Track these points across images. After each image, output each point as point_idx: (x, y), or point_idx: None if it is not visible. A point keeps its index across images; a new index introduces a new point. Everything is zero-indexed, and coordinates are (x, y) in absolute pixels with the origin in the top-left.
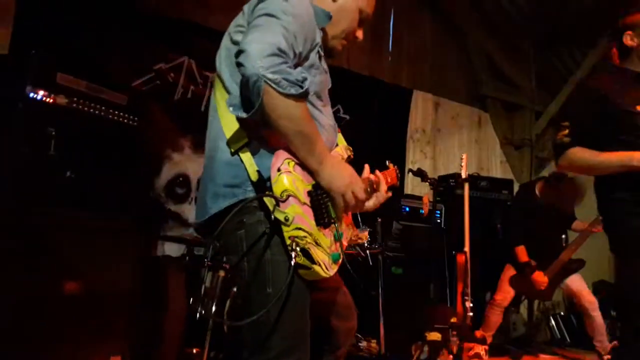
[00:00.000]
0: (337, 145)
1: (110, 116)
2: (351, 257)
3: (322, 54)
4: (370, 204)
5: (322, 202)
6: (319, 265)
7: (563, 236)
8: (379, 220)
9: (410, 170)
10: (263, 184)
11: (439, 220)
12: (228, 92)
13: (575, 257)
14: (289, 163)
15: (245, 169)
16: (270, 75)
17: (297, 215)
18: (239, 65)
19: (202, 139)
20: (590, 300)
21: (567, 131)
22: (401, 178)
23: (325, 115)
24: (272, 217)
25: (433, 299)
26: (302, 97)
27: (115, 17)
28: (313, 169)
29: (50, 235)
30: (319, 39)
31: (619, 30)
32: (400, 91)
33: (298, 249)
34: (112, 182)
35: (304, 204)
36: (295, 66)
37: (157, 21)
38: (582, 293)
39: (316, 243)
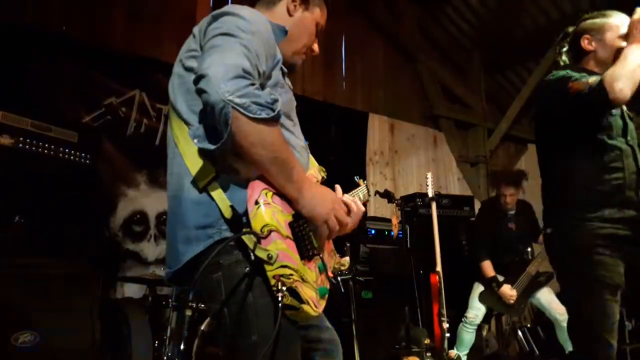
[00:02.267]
0: (309, 167)
1: (60, 155)
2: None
3: (285, 70)
4: (350, 225)
5: (304, 233)
6: (308, 303)
7: (529, 249)
8: (348, 244)
9: (377, 192)
10: (239, 220)
11: (405, 241)
12: (187, 123)
13: (542, 270)
14: (266, 194)
15: (217, 205)
16: (237, 100)
17: (281, 252)
18: (200, 92)
19: (158, 173)
20: (560, 312)
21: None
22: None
23: (296, 136)
24: (252, 256)
25: (408, 321)
26: (275, 120)
27: (62, 51)
28: (292, 198)
29: None
30: (280, 55)
31: (575, 36)
32: (356, 115)
33: (284, 288)
34: (65, 224)
35: (287, 237)
36: (261, 87)
37: (105, 54)
38: (552, 305)
39: (302, 279)
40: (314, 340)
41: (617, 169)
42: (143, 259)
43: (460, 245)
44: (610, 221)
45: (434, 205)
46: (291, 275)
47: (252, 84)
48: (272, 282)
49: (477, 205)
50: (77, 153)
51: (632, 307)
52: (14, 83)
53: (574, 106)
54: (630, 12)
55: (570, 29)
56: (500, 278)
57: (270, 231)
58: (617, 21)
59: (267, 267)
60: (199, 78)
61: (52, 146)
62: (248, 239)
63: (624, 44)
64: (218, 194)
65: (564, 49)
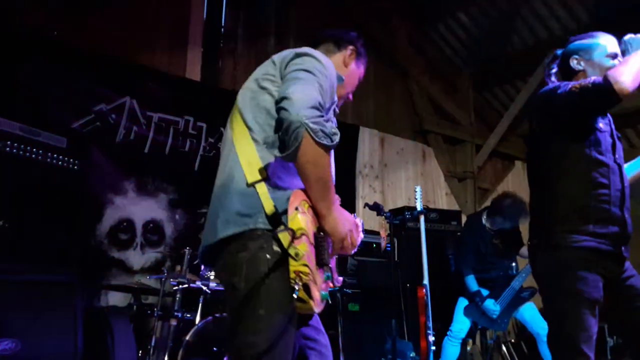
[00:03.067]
0: None
1: (48, 160)
2: None
3: (337, 111)
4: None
5: (322, 244)
6: (314, 301)
7: (513, 264)
8: (335, 256)
9: (366, 204)
10: (277, 218)
11: (392, 254)
12: (249, 129)
13: (526, 285)
14: (304, 204)
15: (261, 201)
16: (312, 125)
17: (306, 253)
18: (281, 109)
19: (147, 181)
20: (542, 327)
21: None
22: (354, 213)
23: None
24: (279, 249)
25: (394, 334)
26: (331, 148)
27: (53, 56)
28: (321, 214)
29: None
30: (336, 98)
31: (564, 57)
32: (347, 128)
33: (301, 283)
34: (51, 230)
35: (311, 243)
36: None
37: (97, 61)
38: (535, 320)
39: (314, 280)
40: (311, 339)
41: (603, 185)
42: (128, 267)
43: (447, 259)
44: (594, 236)
45: (422, 219)
46: (308, 274)
47: (322, 116)
48: (292, 275)
49: (465, 220)
50: (66, 159)
51: (613, 323)
52: (4, 87)
53: (580, 101)
54: (616, 34)
55: (559, 52)
56: (485, 292)
57: (302, 234)
58: (604, 41)
59: (292, 262)
60: (283, 99)
61: (40, 151)
62: (283, 236)
63: (611, 62)
64: (263, 192)
65: (553, 71)
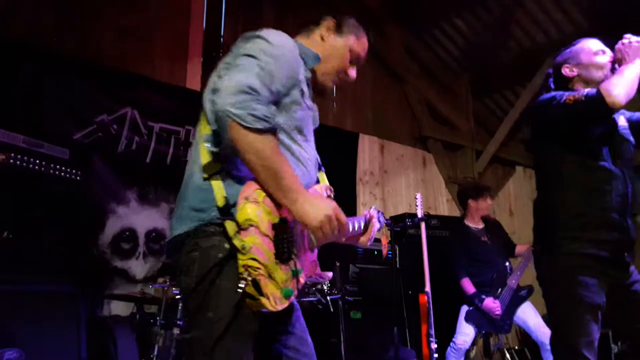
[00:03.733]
0: (317, 182)
1: (51, 171)
2: (312, 304)
3: (305, 90)
4: (364, 239)
5: (285, 237)
6: (267, 298)
7: (507, 264)
8: (338, 264)
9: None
10: (228, 210)
11: (394, 261)
12: (209, 123)
13: (523, 284)
14: (259, 194)
15: (214, 194)
16: (234, 111)
17: (255, 246)
18: (212, 102)
19: (149, 190)
20: (547, 335)
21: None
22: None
23: (305, 151)
24: (228, 244)
25: (396, 342)
26: (268, 132)
27: (54, 67)
28: (282, 203)
29: None
30: (302, 77)
31: (555, 71)
32: (346, 135)
33: (250, 278)
34: (54, 241)
35: (265, 235)
36: (275, 103)
37: (98, 71)
38: (539, 329)
39: (269, 276)
40: (293, 348)
41: (604, 191)
42: (131, 276)
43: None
44: (595, 242)
45: (423, 225)
46: (258, 268)
47: (255, 99)
48: (241, 270)
49: None
50: (68, 169)
51: (617, 329)
52: (6, 99)
53: (574, 113)
54: (613, 36)
55: (550, 70)
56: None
57: (250, 225)
58: (587, 43)
59: (240, 256)
60: (214, 91)
61: (43, 162)
62: (230, 226)
63: (601, 58)
64: (217, 185)
65: (552, 88)
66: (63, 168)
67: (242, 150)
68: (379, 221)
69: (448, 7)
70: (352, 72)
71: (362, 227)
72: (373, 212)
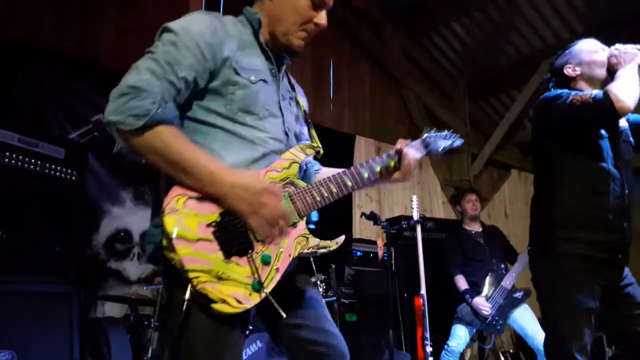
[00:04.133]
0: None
1: (46, 171)
2: None
3: (236, 68)
4: (399, 176)
5: (231, 229)
6: (224, 302)
7: (502, 266)
8: (333, 266)
9: (362, 214)
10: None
11: (390, 264)
12: None
13: (520, 286)
14: (177, 200)
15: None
16: (112, 118)
17: (185, 257)
18: None
19: (144, 191)
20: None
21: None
22: (350, 222)
23: (258, 129)
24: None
25: (391, 345)
26: (156, 124)
27: (51, 66)
28: (212, 196)
29: None
30: (228, 54)
31: (556, 72)
32: (343, 137)
33: (193, 290)
34: (48, 241)
35: (198, 240)
36: (203, 91)
37: (94, 70)
38: (537, 336)
39: (220, 278)
40: (308, 341)
41: (602, 192)
42: (125, 277)
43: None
44: (591, 244)
45: (419, 228)
46: (197, 277)
47: (136, 97)
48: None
49: None
50: (64, 169)
51: (610, 332)
52: (2, 97)
53: (580, 116)
54: (609, 42)
55: (547, 76)
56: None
57: (170, 239)
58: (585, 42)
59: (180, 271)
60: None
61: (39, 162)
62: (164, 245)
63: (600, 55)
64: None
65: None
66: (58, 168)
67: (140, 153)
68: (423, 146)
69: (446, 11)
70: (321, 20)
71: (381, 169)
72: (401, 143)
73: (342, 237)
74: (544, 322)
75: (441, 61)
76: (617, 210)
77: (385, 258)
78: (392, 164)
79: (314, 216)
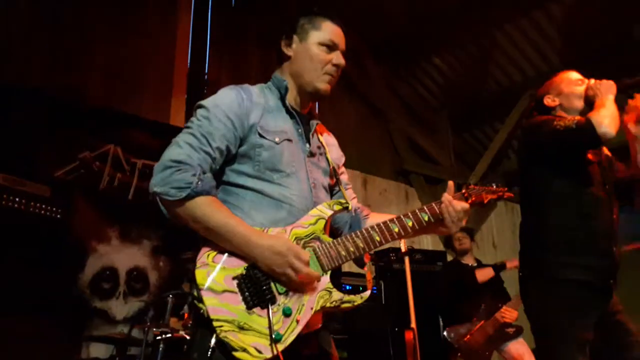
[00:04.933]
0: (315, 207)
1: (31, 209)
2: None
3: (261, 132)
4: (444, 229)
5: (254, 283)
6: (243, 351)
7: (500, 305)
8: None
9: None
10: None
11: (379, 297)
12: None
13: (514, 323)
14: (208, 255)
15: None
16: (157, 190)
17: (211, 307)
18: None
19: (130, 228)
20: None
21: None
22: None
23: (286, 186)
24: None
25: None
26: (196, 195)
27: (38, 105)
28: (242, 255)
29: None
30: (255, 120)
31: (537, 102)
32: None
33: (217, 338)
34: (33, 280)
35: (224, 291)
36: (234, 156)
37: (82, 109)
38: None
39: (241, 328)
40: None
41: (591, 216)
42: (111, 317)
43: (435, 300)
44: (584, 268)
45: (407, 260)
46: (221, 326)
47: (178, 170)
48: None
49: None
50: (49, 207)
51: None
52: None
53: (563, 140)
54: (585, 75)
55: (531, 106)
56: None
57: (201, 289)
58: (567, 74)
59: (207, 319)
60: None
61: (24, 200)
62: (195, 296)
63: (580, 87)
64: None
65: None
66: (44, 206)
67: (183, 221)
68: (463, 199)
69: (427, 46)
70: (338, 60)
71: (413, 224)
72: (446, 197)
73: (368, 292)
74: (537, 354)
75: (423, 94)
76: (607, 235)
77: (375, 292)
78: (426, 218)
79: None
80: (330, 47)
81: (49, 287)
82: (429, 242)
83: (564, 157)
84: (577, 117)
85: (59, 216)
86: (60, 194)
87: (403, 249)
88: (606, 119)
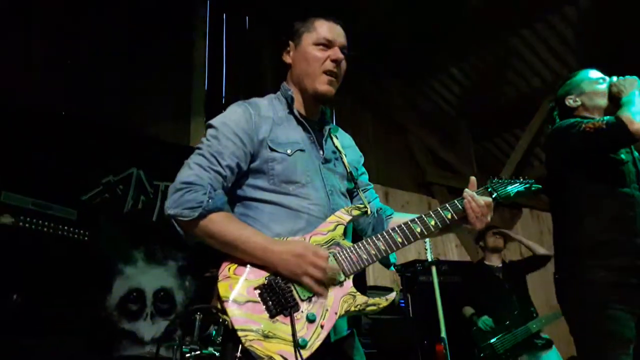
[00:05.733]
0: (332, 213)
1: (59, 232)
2: None
3: (272, 146)
4: (469, 227)
5: (276, 292)
6: (269, 359)
7: (532, 308)
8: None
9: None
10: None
11: (407, 310)
12: None
13: (547, 334)
14: (229, 268)
15: None
16: (171, 212)
17: (234, 318)
18: None
19: (155, 249)
20: None
21: (591, 126)
22: (363, 270)
23: (303, 197)
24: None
25: None
26: (209, 213)
27: (61, 131)
28: (261, 264)
29: None
30: (264, 135)
31: (558, 103)
32: None
33: (243, 347)
34: (61, 303)
35: (247, 302)
36: (244, 172)
37: (104, 134)
38: None
39: (266, 336)
40: None
41: (627, 217)
42: (139, 338)
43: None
44: (622, 269)
45: (434, 269)
46: (245, 336)
47: (189, 191)
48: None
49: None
50: (76, 230)
51: None
52: (16, 163)
53: (594, 142)
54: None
55: (552, 104)
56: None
57: (225, 301)
58: (587, 73)
59: (231, 330)
60: None
61: (52, 224)
62: (218, 309)
63: (601, 86)
64: None
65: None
66: (71, 229)
67: (201, 238)
68: (487, 194)
69: (443, 57)
70: (334, 55)
71: (435, 224)
72: (468, 192)
73: (394, 294)
74: (578, 356)
75: (442, 105)
76: None
77: (402, 305)
78: (449, 216)
79: (392, 258)
80: (326, 44)
81: (76, 309)
82: (454, 253)
83: (596, 159)
84: (606, 117)
85: (86, 238)
86: (86, 217)
87: (429, 258)
88: (637, 116)
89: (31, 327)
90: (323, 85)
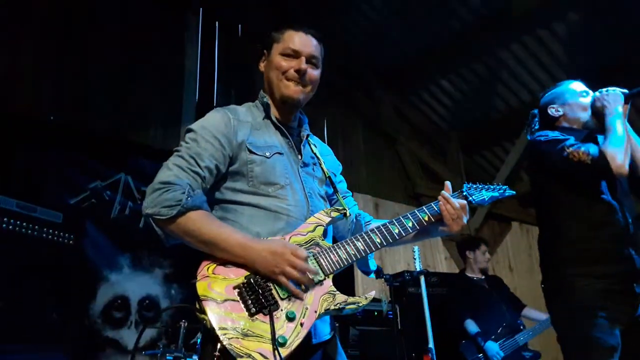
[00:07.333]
0: (311, 215)
1: (44, 235)
2: None
3: (251, 149)
4: (445, 229)
5: (255, 290)
6: (248, 357)
7: (519, 321)
8: (336, 325)
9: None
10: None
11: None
12: None
13: (533, 348)
14: (207, 268)
15: None
16: (149, 211)
17: (212, 316)
18: None
19: (142, 256)
20: None
21: (582, 155)
22: (352, 280)
23: (280, 199)
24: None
25: None
26: (187, 211)
27: (50, 135)
28: (240, 262)
29: None
30: (243, 138)
31: (541, 111)
32: None
33: (222, 346)
34: (45, 310)
35: (226, 300)
36: (223, 175)
37: (92, 139)
38: None
39: (245, 334)
40: None
41: (608, 224)
42: (123, 346)
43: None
44: (603, 277)
45: (422, 279)
46: (225, 334)
47: (166, 190)
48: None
49: None
50: (61, 233)
51: None
52: (2, 166)
53: (575, 171)
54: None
55: (535, 111)
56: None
57: (204, 300)
58: (571, 84)
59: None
60: None
61: (36, 227)
62: (198, 309)
63: (585, 100)
64: None
65: (535, 128)
66: (56, 232)
67: (179, 237)
68: (462, 198)
69: (434, 69)
70: (297, 66)
71: (421, 223)
72: (443, 194)
73: (373, 292)
74: None
75: (432, 117)
76: (623, 240)
77: (390, 316)
78: (425, 217)
79: (373, 265)
80: (292, 55)
81: (60, 315)
82: (444, 265)
83: (575, 181)
84: (591, 149)
85: (71, 242)
86: (72, 221)
87: (418, 268)
88: (620, 154)
89: (12, 333)
90: (286, 89)
